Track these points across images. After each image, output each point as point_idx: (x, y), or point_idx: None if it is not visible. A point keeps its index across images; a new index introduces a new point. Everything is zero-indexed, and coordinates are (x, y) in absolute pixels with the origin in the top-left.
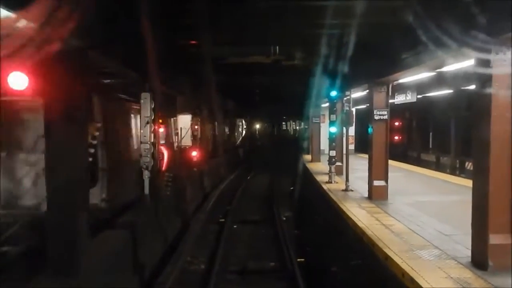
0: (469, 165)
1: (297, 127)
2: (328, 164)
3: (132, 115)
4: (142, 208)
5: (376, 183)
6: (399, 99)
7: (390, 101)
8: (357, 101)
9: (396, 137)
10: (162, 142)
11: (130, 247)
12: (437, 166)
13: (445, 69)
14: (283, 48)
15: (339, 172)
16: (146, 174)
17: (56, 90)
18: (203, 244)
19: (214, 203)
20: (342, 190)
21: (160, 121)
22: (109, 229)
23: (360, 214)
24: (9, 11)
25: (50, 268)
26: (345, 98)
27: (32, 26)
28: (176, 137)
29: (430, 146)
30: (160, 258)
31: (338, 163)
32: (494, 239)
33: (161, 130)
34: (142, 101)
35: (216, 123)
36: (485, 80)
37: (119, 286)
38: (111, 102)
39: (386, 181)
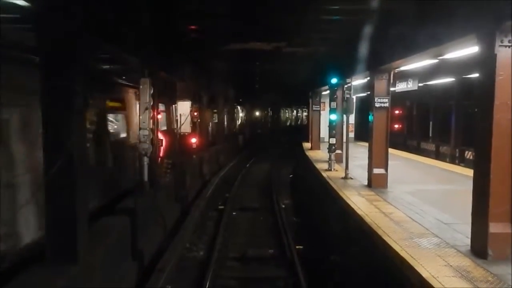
0: (469, 155)
1: (298, 114)
2: (328, 151)
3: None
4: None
5: (376, 171)
6: (400, 87)
7: (391, 89)
8: (357, 89)
9: (396, 126)
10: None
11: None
12: (437, 155)
13: (447, 56)
14: (285, 34)
15: (338, 160)
16: (145, 161)
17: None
18: (202, 231)
19: (213, 190)
20: (342, 178)
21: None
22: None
23: (359, 202)
24: None
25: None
26: (345, 86)
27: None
28: (176, 123)
29: (430, 135)
30: (160, 243)
31: (338, 151)
32: (494, 227)
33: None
34: (141, 86)
35: (215, 109)
36: (489, 68)
37: None
38: None
39: (386, 169)
